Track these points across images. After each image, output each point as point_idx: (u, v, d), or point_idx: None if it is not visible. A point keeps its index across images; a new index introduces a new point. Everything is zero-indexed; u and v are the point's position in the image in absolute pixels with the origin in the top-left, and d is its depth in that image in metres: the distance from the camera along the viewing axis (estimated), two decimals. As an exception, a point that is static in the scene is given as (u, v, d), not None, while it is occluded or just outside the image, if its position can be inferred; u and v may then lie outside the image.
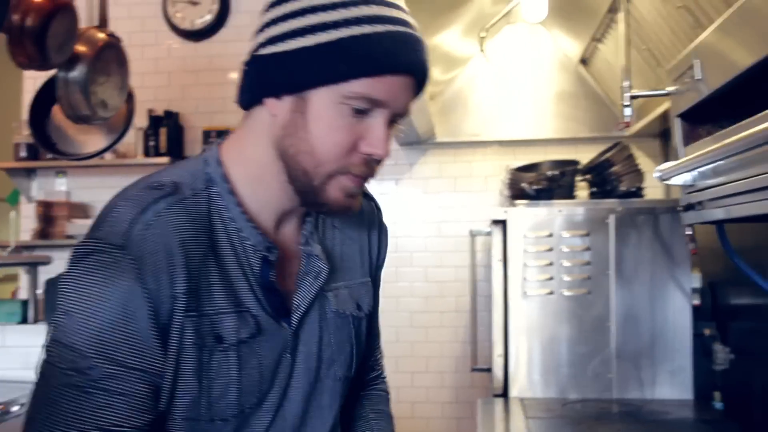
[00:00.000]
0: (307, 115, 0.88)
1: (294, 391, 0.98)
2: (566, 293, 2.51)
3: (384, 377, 1.29)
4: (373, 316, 1.16)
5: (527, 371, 2.53)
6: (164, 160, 3.80)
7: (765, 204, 1.19)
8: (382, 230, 1.15)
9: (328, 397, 1.03)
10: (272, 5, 0.90)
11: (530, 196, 2.68)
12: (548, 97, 3.67)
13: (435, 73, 3.33)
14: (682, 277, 2.47)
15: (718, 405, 2.34)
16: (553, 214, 2.54)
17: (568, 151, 3.60)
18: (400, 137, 3.66)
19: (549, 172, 2.70)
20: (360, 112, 0.87)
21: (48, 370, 0.83)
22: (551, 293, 2.52)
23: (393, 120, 0.91)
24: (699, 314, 2.48)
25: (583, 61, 3.54)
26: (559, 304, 2.52)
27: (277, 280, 0.95)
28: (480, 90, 3.71)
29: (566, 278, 2.51)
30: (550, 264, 2.52)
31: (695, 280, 2.46)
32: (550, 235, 2.53)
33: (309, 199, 0.93)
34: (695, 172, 1.49)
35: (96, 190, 4.06)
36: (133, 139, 3.84)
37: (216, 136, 3.87)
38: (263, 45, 0.89)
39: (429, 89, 3.35)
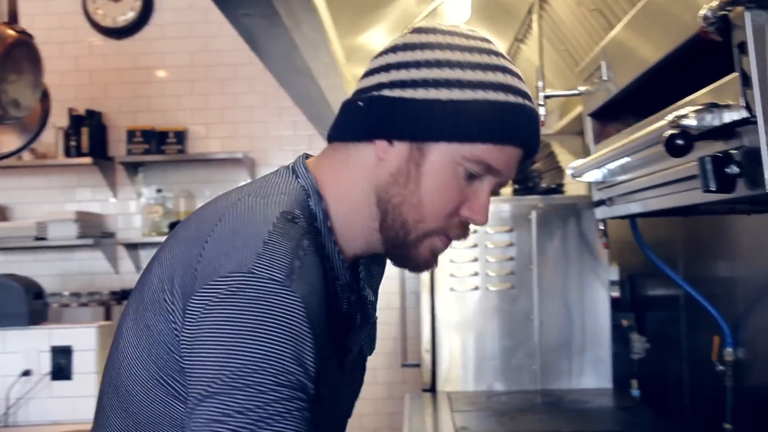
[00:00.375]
0: (421, 167, 0.84)
1: (332, 418, 0.96)
2: (491, 288, 2.56)
3: None
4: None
5: (454, 366, 2.57)
6: (86, 160, 3.69)
7: (665, 199, 1.24)
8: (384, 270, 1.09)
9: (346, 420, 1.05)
10: (401, 48, 0.87)
11: (455, 194, 2.72)
12: (475, 96, 3.72)
13: (360, 72, 3.34)
14: (601, 271, 2.56)
15: (635, 392, 2.43)
16: (478, 211, 2.59)
17: (495, 148, 3.67)
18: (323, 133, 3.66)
19: (473, 170, 2.75)
20: (472, 176, 0.85)
21: (225, 385, 0.73)
22: (477, 288, 2.57)
23: (495, 188, 0.89)
24: (618, 306, 2.58)
25: (508, 61, 3.62)
26: (484, 299, 2.57)
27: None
28: (408, 89, 3.74)
29: (491, 273, 2.57)
30: (476, 260, 2.57)
31: (613, 273, 2.55)
32: (475, 231, 2.58)
33: (396, 251, 0.89)
34: (605, 169, 1.54)
35: (14, 192, 3.92)
36: (53, 139, 3.72)
37: (140, 135, 3.78)
38: (388, 86, 0.85)
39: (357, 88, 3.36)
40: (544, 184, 2.67)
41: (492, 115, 0.83)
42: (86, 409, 2.50)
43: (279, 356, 0.73)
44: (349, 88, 2.79)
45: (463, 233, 0.90)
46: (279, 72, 2.19)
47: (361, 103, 0.87)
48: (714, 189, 0.88)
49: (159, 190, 3.82)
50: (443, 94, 0.83)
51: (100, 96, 3.93)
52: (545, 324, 2.54)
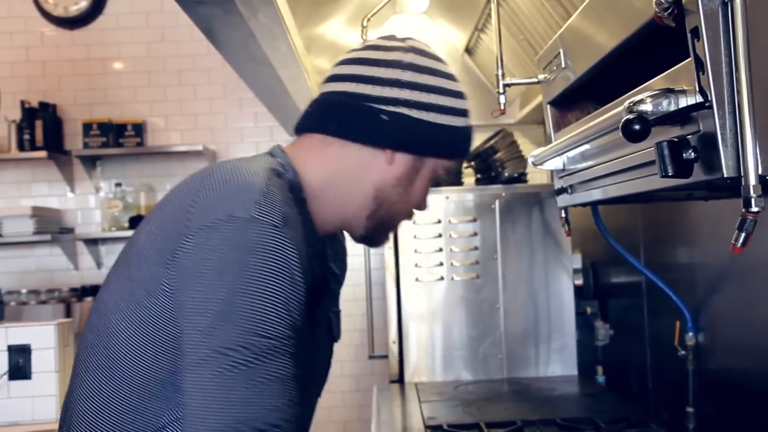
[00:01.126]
0: (419, 175, 1.05)
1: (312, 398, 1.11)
2: (457, 278, 2.56)
3: None
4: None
5: (422, 356, 2.56)
6: (41, 154, 3.59)
7: (624, 186, 1.24)
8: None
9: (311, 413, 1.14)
10: (407, 67, 1.02)
11: (419, 184, 2.70)
12: (438, 86, 3.71)
13: (321, 62, 3.30)
14: (565, 259, 2.57)
15: (600, 378, 2.46)
16: (441, 200, 2.58)
17: (458, 138, 3.67)
18: (290, 128, 3.61)
19: (436, 160, 2.74)
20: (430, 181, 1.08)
21: (222, 346, 0.82)
22: (442, 279, 2.56)
23: None
24: (581, 294, 2.60)
25: (468, 51, 3.61)
26: (450, 289, 2.56)
27: None
28: (370, 79, 3.71)
29: (456, 263, 2.56)
30: (440, 250, 2.56)
31: (576, 261, 2.57)
32: (439, 222, 2.57)
33: (376, 235, 1.09)
34: (565, 157, 1.54)
35: (-33, 189, 3.80)
36: (5, 133, 3.61)
37: (97, 128, 3.69)
38: (406, 104, 1.01)
39: (315, 79, 3.32)
40: (507, 174, 2.67)
41: (466, 137, 1.08)
42: (46, 409, 2.44)
43: (276, 298, 0.84)
44: (310, 79, 2.76)
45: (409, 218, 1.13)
46: (237, 62, 2.14)
47: (385, 117, 1.00)
48: (671, 174, 0.88)
49: (118, 184, 3.74)
50: (446, 120, 1.03)
51: (53, 88, 3.82)
52: (510, 313, 2.55)
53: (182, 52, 3.85)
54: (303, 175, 1.01)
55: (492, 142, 2.76)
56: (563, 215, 1.84)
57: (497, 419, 1.92)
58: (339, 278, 1.14)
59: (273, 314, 0.83)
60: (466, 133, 1.08)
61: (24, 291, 3.64)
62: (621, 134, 0.88)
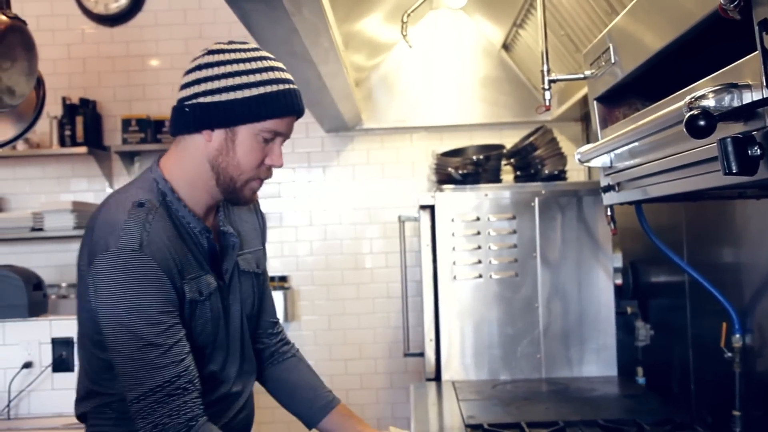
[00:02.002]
0: (235, 142, 1.34)
1: (233, 329, 1.46)
2: (495, 276, 2.54)
3: (288, 341, 1.70)
4: (265, 274, 1.62)
5: (458, 355, 2.55)
6: (82, 149, 3.64)
7: (678, 183, 1.22)
8: (260, 210, 1.64)
9: (243, 331, 1.50)
10: (204, 67, 1.33)
11: (457, 181, 2.69)
12: (472, 83, 3.69)
13: (359, 59, 3.30)
14: (604, 258, 2.54)
15: (641, 380, 2.42)
16: (480, 198, 2.57)
17: (493, 135, 3.65)
18: (326, 125, 3.62)
19: (475, 157, 2.73)
20: (267, 140, 1.36)
21: (125, 338, 1.25)
22: (480, 277, 2.55)
23: (283, 142, 1.40)
24: (621, 293, 2.56)
25: (506, 47, 3.58)
26: (487, 287, 2.55)
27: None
28: (405, 76, 3.71)
29: (494, 261, 2.55)
30: (478, 248, 2.55)
31: (617, 260, 2.53)
32: (478, 219, 2.56)
33: (230, 196, 1.40)
34: (612, 154, 1.51)
35: (8, 182, 3.87)
36: (47, 129, 3.67)
37: (136, 124, 3.74)
38: (202, 95, 1.32)
39: (354, 76, 3.32)
40: (546, 171, 2.64)
41: (271, 102, 1.32)
42: (86, 402, 2.47)
43: (150, 297, 1.26)
44: (349, 75, 2.76)
45: (269, 175, 1.41)
46: (277, 58, 2.15)
47: (187, 109, 1.33)
48: (736, 171, 0.85)
49: (156, 180, 3.78)
50: (238, 95, 1.31)
51: (93, 84, 3.88)
52: (549, 312, 2.52)
53: (219, 49, 3.88)
54: (170, 179, 1.38)
55: (531, 139, 2.73)
56: (608, 213, 1.82)
57: (538, 419, 1.90)
58: (240, 235, 1.49)
59: (148, 311, 1.26)
60: (262, 98, 1.31)
61: (64, 285, 3.70)
62: (685, 130, 0.86)
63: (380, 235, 3.78)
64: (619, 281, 2.55)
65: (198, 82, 1.32)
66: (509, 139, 3.24)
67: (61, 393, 2.48)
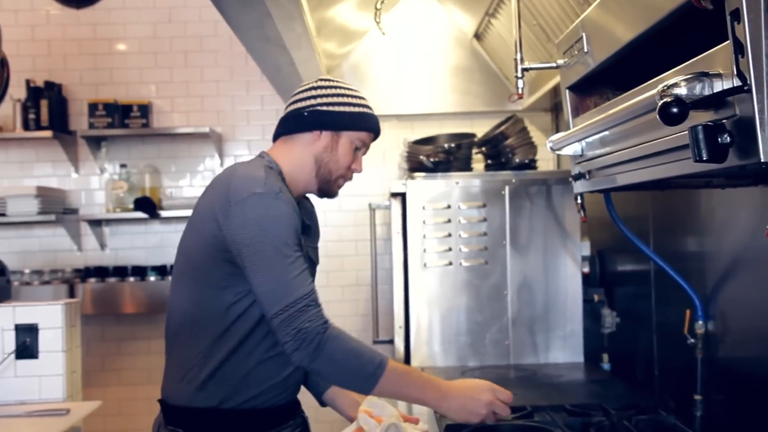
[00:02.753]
0: (338, 143, 1.68)
1: None
2: (464, 264, 2.56)
3: None
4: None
5: (427, 341, 2.57)
6: (47, 133, 3.57)
7: (648, 171, 1.24)
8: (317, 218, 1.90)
9: None
10: (318, 88, 1.70)
11: (428, 169, 2.70)
12: (444, 72, 3.70)
13: (330, 47, 3.29)
14: (572, 246, 2.57)
15: (606, 366, 2.47)
16: (451, 186, 2.58)
17: (464, 124, 3.66)
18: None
19: (446, 145, 2.74)
20: (357, 149, 1.71)
21: (271, 260, 1.49)
22: (450, 264, 2.56)
23: (363, 153, 1.75)
24: (588, 281, 2.60)
25: (477, 36, 3.59)
26: (457, 275, 2.57)
27: None
28: (376, 64, 3.70)
29: (464, 249, 2.57)
30: (449, 235, 2.57)
31: (585, 249, 2.57)
32: (448, 207, 2.57)
33: (324, 186, 1.70)
34: (584, 143, 1.53)
35: (-30, 168, 3.77)
36: (10, 112, 3.59)
37: (103, 108, 3.67)
38: (320, 105, 1.67)
39: (325, 63, 3.30)
40: (517, 160, 2.66)
41: (366, 119, 1.70)
42: (53, 388, 2.44)
43: (289, 229, 1.52)
44: (321, 62, 2.74)
45: (351, 177, 1.74)
46: (250, 42, 2.13)
47: (306, 114, 1.68)
48: (706, 158, 0.87)
49: (123, 166, 3.72)
50: (347, 109, 1.68)
51: (59, 68, 3.79)
52: (518, 299, 2.56)
53: (189, 33, 3.83)
54: (281, 166, 1.66)
55: (502, 128, 2.75)
56: (578, 201, 1.84)
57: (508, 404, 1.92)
58: (310, 228, 1.74)
59: (284, 241, 1.51)
60: (362, 115, 1.68)
61: (27, 271, 3.63)
62: (658, 117, 0.88)
63: (350, 224, 3.78)
64: (586, 269, 2.59)
65: (315, 96, 1.69)
66: (480, 129, 3.25)
67: (24, 380, 2.44)
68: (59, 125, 3.67)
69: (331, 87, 1.70)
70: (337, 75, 3.70)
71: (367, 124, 1.70)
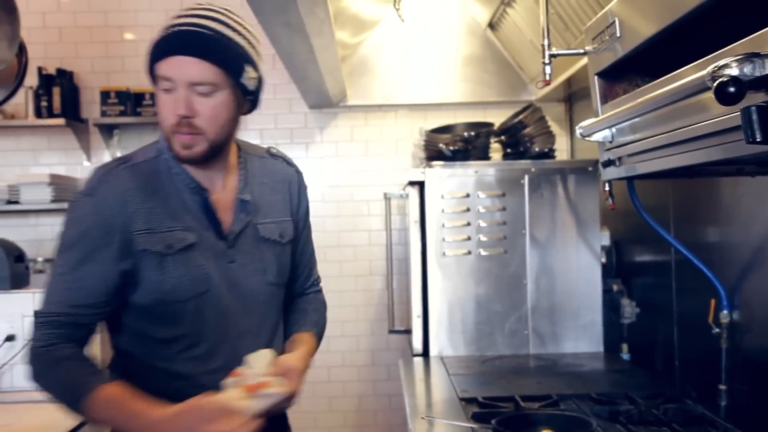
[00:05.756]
0: (156, 96, 1.35)
1: (236, 289, 1.44)
2: (483, 253, 2.55)
3: (320, 289, 1.72)
4: (297, 242, 1.61)
5: (447, 330, 2.56)
6: (59, 121, 3.55)
7: (677, 158, 1.23)
8: (301, 187, 1.64)
9: (264, 296, 1.49)
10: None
11: (447, 158, 2.69)
12: (457, 62, 3.68)
13: (343, 36, 3.26)
14: (591, 236, 2.56)
15: (626, 356, 2.46)
16: (469, 175, 2.57)
17: (477, 114, 3.65)
18: (309, 101, 3.59)
19: (465, 133, 2.72)
20: (166, 90, 1.32)
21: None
22: (469, 253, 2.55)
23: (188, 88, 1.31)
24: (605, 271, 2.59)
25: (492, 26, 3.57)
26: (476, 264, 2.56)
27: (219, 214, 1.44)
28: (389, 53, 3.68)
29: (483, 238, 2.56)
30: (468, 224, 2.55)
31: (604, 238, 2.56)
32: (467, 196, 2.56)
33: (174, 154, 1.38)
34: (614, 129, 1.52)
35: (-18, 155, 3.77)
36: (22, 99, 3.57)
37: (115, 96, 3.66)
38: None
39: (339, 52, 3.29)
40: (536, 149, 2.65)
41: (153, 47, 1.33)
42: (69, 376, 2.43)
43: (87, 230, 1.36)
44: (338, 50, 2.72)
45: (188, 128, 1.34)
46: (270, 28, 2.11)
47: None
48: (760, 140, 0.86)
49: (135, 154, 3.71)
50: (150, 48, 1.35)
51: (70, 55, 3.78)
52: (537, 289, 2.55)
53: (201, 21, 3.81)
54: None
55: (521, 117, 2.74)
56: (607, 188, 1.83)
57: (531, 393, 1.92)
58: (263, 203, 1.51)
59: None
60: (154, 44, 1.33)
61: (40, 259, 3.63)
62: (714, 96, 0.86)
63: (364, 213, 3.77)
64: (603, 259, 2.58)
65: None
66: (493, 119, 3.23)
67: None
68: (71, 113, 3.66)
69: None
70: (349, 64, 3.68)
71: (154, 50, 1.31)
